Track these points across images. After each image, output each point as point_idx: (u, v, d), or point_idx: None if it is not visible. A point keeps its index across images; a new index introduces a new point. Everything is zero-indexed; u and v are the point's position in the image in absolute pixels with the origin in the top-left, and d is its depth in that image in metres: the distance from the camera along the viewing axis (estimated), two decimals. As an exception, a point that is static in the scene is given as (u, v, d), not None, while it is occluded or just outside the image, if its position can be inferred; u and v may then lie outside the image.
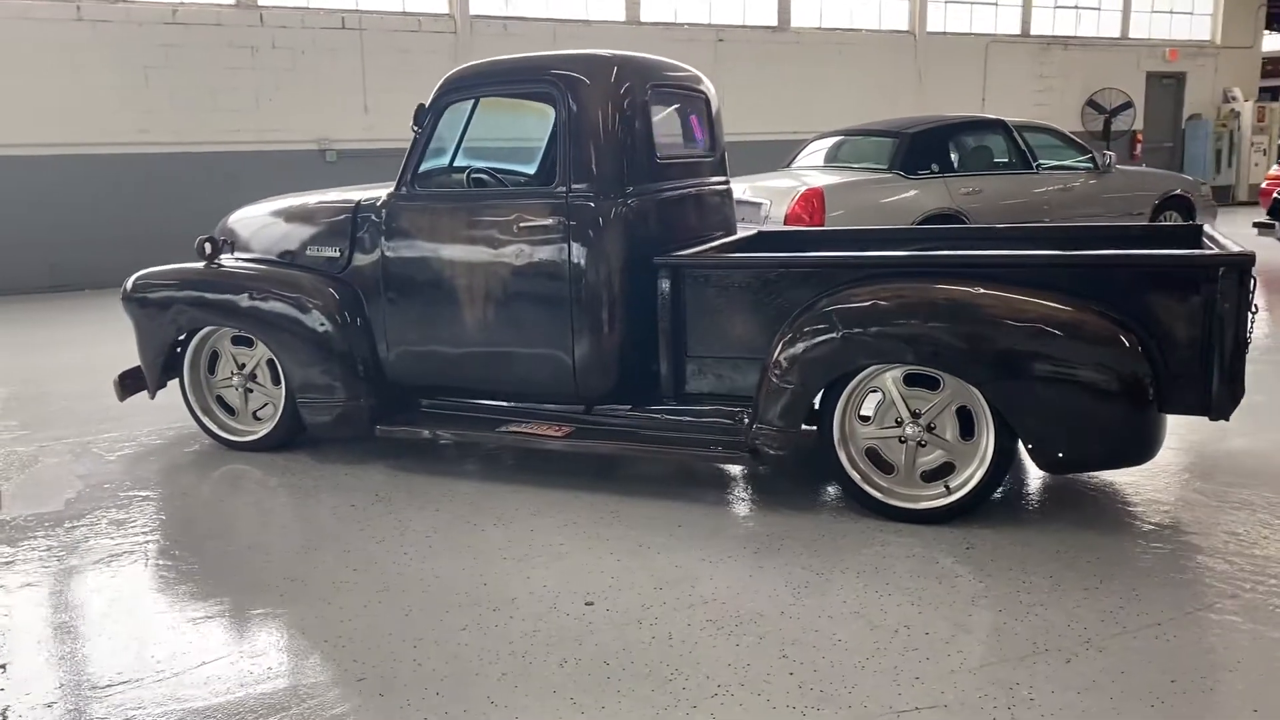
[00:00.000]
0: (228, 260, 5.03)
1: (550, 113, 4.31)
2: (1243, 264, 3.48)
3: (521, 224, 4.27)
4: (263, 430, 4.92)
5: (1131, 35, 18.46)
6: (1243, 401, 3.59)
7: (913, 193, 8.70)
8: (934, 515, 3.85)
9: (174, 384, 5.08)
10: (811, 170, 9.60)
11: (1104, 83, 17.72)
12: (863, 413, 3.99)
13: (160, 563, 3.70)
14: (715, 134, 5.13)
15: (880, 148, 9.24)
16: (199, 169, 11.07)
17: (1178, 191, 10.27)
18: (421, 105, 4.48)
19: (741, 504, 4.16)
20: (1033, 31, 17.36)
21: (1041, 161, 9.61)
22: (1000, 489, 4.08)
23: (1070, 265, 3.75)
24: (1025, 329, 3.58)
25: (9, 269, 10.53)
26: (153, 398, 5.11)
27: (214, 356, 5.02)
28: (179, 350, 5.01)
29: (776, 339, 3.95)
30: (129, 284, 5.06)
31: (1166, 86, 18.90)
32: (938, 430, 3.84)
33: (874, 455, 3.96)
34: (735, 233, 5.30)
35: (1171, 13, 18.92)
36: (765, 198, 8.78)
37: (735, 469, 4.48)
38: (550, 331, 4.27)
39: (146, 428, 5.39)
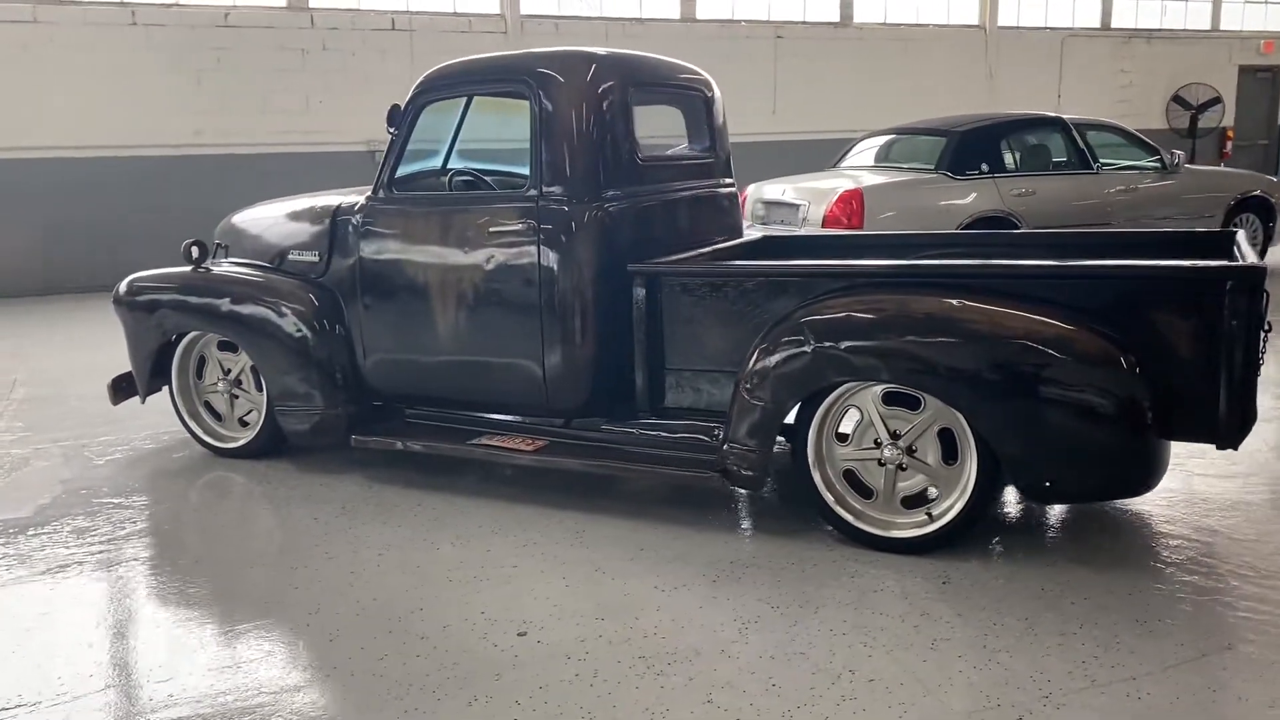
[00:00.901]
0: (223, 264, 4.97)
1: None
2: (1253, 278, 3.13)
3: (492, 229, 4.10)
4: (246, 437, 4.84)
5: (1223, 27, 17.56)
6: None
7: (959, 194, 8.33)
8: (915, 544, 3.57)
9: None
10: (858, 170, 9.28)
11: (1191, 77, 16.88)
12: (842, 430, 3.73)
13: (102, 576, 3.61)
14: (717, 135, 4.89)
15: (929, 147, 8.88)
16: (250, 171, 11.16)
17: (1256, 193, 9.64)
18: (396, 106, 4.36)
19: (715, 526, 3.91)
20: (1113, 24, 16.63)
21: (1104, 161, 9.13)
22: (1009, 515, 3.79)
23: (1062, 277, 3.44)
24: (1007, 346, 3.28)
25: (63, 268, 10.76)
26: (143, 402, 5.07)
27: (202, 361, 4.96)
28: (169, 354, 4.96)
29: (749, 352, 3.72)
30: (120, 287, 5.03)
31: (1261, 81, 17.93)
32: (919, 453, 3.56)
33: (854, 478, 3.70)
34: (740, 236, 5.07)
35: (1266, 2, 17.96)
36: (804, 199, 8.50)
37: (728, 487, 4.23)
38: (520, 341, 4.09)
39: (144, 432, 5.36)
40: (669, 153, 4.68)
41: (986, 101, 15.03)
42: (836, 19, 14.43)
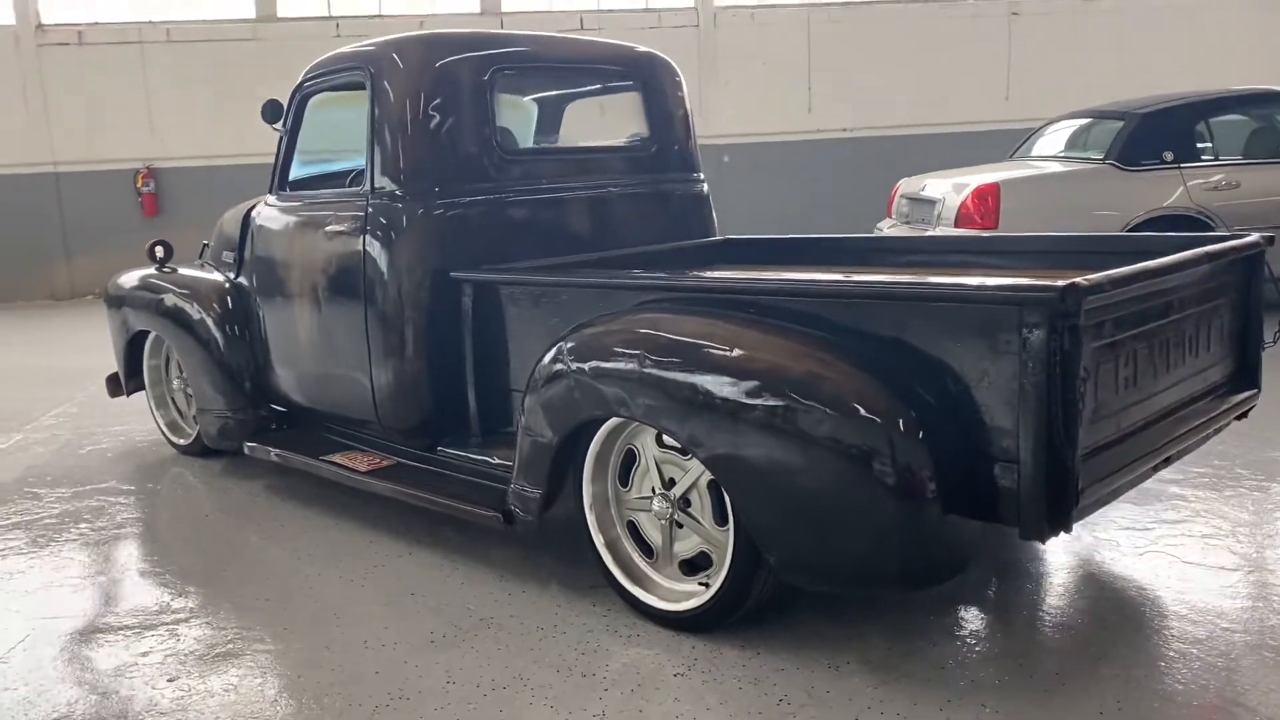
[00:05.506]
0: (186, 266, 5.01)
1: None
2: (1052, 307, 2.21)
3: (328, 229, 3.83)
4: (193, 435, 4.88)
5: None
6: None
7: (1127, 189, 7.00)
8: (685, 619, 2.88)
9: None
10: (1033, 160, 8.07)
11: None
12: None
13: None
14: (662, 124, 4.30)
15: (1107, 133, 7.52)
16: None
17: None
18: (273, 101, 4.18)
19: (518, 573, 3.37)
20: None
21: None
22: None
23: (835, 296, 2.62)
24: (740, 384, 2.55)
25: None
26: (127, 396, 5.27)
27: (169, 359, 5.06)
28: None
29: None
30: (109, 285, 5.24)
31: None
32: (695, 508, 2.88)
33: (638, 531, 3.07)
34: (705, 235, 4.47)
35: None
36: (941, 194, 7.47)
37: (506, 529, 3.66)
38: (351, 353, 3.78)
39: (151, 425, 5.54)
40: (568, 145, 4.18)
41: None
42: (1089, -10, 12.73)
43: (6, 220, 11.55)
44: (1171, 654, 2.67)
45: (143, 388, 5.20)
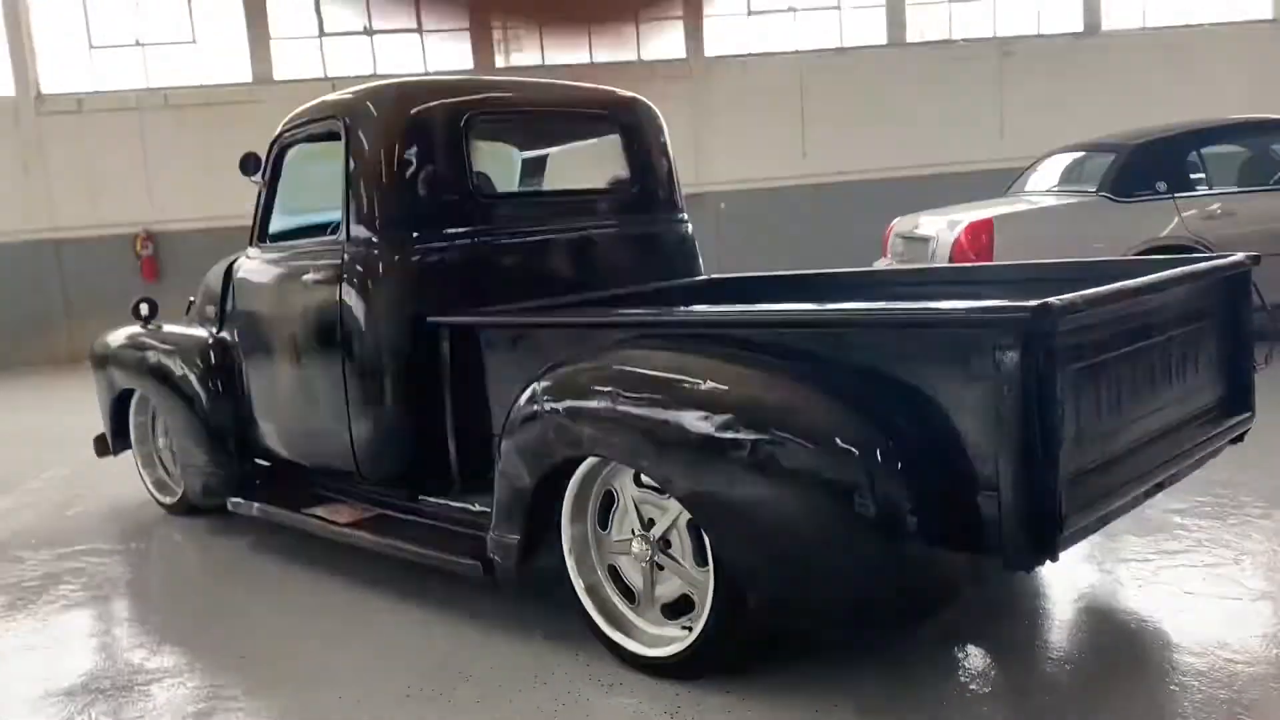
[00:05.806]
0: (169, 323, 4.97)
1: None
2: (1027, 328, 2.15)
3: (305, 279, 3.79)
4: (180, 493, 4.81)
5: None
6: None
7: (1120, 220, 6.95)
8: (668, 665, 2.79)
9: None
10: (1029, 195, 8.05)
11: None
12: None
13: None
14: (643, 167, 4.27)
15: (1100, 166, 7.50)
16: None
17: None
18: (251, 154, 4.18)
19: (505, 622, 3.29)
20: None
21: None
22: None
23: (806, 326, 2.57)
24: (717, 420, 2.48)
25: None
26: (115, 455, 5.20)
27: (155, 417, 5.01)
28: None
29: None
30: (94, 344, 5.21)
31: None
32: (675, 550, 2.80)
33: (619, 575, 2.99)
34: (690, 276, 4.42)
35: None
36: (934, 231, 7.44)
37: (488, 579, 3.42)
38: (330, 403, 3.72)
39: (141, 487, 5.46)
40: (548, 189, 4.16)
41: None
42: (1079, 29, 12.79)
43: (7, 287, 11.60)
44: (1173, 687, 2.57)
45: (130, 447, 5.14)
